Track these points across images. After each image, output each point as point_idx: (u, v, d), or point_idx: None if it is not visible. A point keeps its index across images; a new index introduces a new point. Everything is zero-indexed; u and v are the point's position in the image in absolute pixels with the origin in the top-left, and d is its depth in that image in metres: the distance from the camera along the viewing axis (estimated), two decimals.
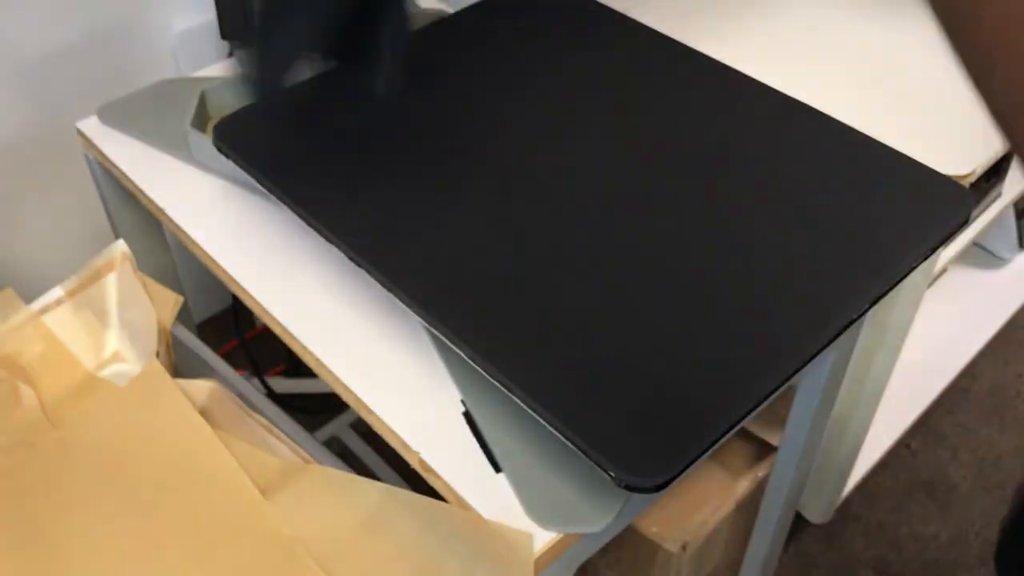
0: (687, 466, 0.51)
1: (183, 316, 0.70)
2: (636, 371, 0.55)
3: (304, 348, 0.67)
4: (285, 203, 0.65)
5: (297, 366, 1.31)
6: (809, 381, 0.88)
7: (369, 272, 0.60)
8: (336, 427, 1.27)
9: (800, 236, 0.63)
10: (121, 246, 0.70)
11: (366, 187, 0.67)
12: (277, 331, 0.68)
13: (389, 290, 0.59)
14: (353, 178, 0.68)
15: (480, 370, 0.56)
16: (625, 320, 0.57)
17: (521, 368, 0.55)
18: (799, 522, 1.32)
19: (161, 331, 0.67)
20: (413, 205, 0.65)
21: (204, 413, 0.63)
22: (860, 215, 0.64)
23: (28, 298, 0.68)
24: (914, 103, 0.80)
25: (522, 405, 0.54)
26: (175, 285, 0.95)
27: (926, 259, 0.62)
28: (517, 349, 0.56)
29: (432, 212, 0.64)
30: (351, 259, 0.61)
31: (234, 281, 0.70)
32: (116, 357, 0.67)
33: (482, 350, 0.55)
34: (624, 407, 0.54)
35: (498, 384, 0.55)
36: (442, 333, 0.57)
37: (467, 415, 0.61)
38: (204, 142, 0.75)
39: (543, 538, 0.56)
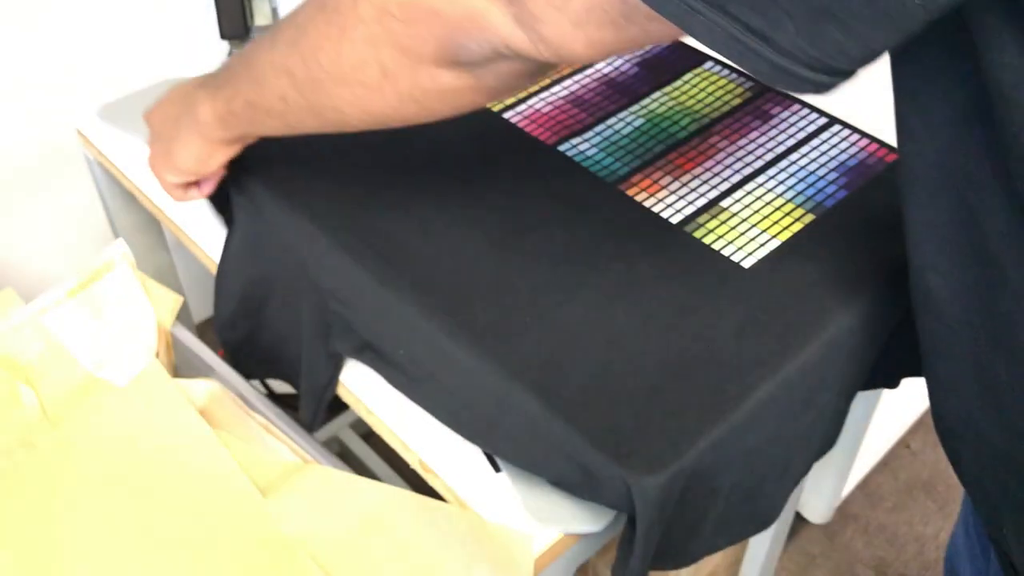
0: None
1: (183, 316, 0.70)
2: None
3: None
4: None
5: None
6: None
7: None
8: (336, 427, 1.27)
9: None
10: (121, 246, 0.70)
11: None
12: None
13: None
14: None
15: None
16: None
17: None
18: (799, 522, 1.32)
19: (161, 331, 0.67)
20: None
21: (204, 413, 0.63)
22: None
23: (28, 298, 0.68)
24: None
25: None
26: (175, 285, 0.95)
27: None
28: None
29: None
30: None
31: None
32: (116, 357, 0.67)
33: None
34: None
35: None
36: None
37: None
38: None
39: (543, 538, 0.56)
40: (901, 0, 0.36)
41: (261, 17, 0.90)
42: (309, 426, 0.68)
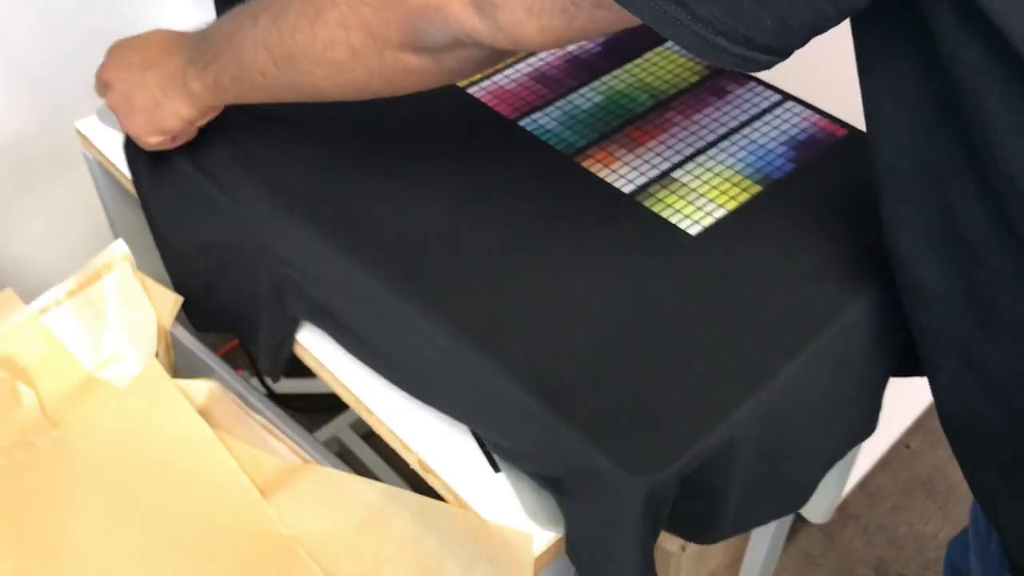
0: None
1: (183, 316, 0.70)
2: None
3: (304, 349, 0.67)
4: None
5: (297, 366, 1.31)
6: None
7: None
8: (336, 427, 1.27)
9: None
10: (121, 246, 0.70)
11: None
12: None
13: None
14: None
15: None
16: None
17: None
18: (799, 522, 1.32)
19: (161, 331, 0.67)
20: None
21: (204, 413, 0.63)
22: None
23: (28, 298, 0.68)
24: None
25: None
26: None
27: None
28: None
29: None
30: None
31: None
32: (116, 357, 0.67)
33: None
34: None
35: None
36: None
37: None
38: None
39: (543, 538, 0.56)
40: None
41: None
42: (267, 376, 0.71)
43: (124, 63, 0.69)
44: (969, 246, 0.48)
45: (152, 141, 0.69)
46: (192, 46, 0.65)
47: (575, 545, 0.55)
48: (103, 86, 0.70)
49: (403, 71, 0.53)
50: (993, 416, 0.53)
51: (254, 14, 0.58)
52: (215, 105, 0.66)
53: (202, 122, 0.68)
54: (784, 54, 0.42)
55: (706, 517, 0.59)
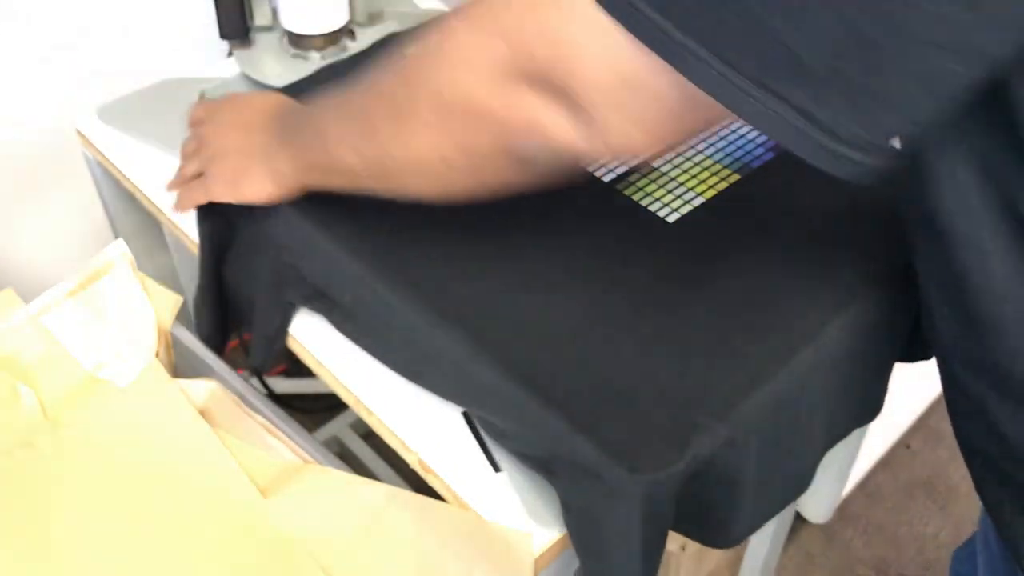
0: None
1: (183, 316, 0.70)
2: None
3: (304, 349, 0.67)
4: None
5: (297, 366, 1.31)
6: None
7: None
8: (336, 427, 1.27)
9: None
10: (121, 246, 0.70)
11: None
12: None
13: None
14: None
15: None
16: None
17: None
18: (799, 522, 1.32)
19: (161, 331, 0.67)
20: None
21: (204, 413, 0.63)
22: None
23: (28, 298, 0.68)
24: None
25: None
26: (175, 285, 0.95)
27: None
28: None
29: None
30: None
31: None
32: (116, 357, 0.67)
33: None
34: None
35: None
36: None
37: (466, 415, 0.61)
38: None
39: (543, 538, 0.56)
40: (940, 66, 0.36)
41: (261, 17, 0.90)
42: (259, 371, 0.71)
43: (228, 120, 0.68)
44: (990, 316, 0.47)
45: (221, 199, 0.67)
46: (285, 126, 0.63)
47: (575, 541, 0.55)
48: (196, 137, 0.70)
49: (503, 180, 0.51)
50: (1009, 468, 0.53)
51: (338, 111, 0.56)
52: (303, 190, 0.64)
53: (284, 201, 0.65)
54: (897, 155, 0.40)
55: (721, 519, 0.59)
